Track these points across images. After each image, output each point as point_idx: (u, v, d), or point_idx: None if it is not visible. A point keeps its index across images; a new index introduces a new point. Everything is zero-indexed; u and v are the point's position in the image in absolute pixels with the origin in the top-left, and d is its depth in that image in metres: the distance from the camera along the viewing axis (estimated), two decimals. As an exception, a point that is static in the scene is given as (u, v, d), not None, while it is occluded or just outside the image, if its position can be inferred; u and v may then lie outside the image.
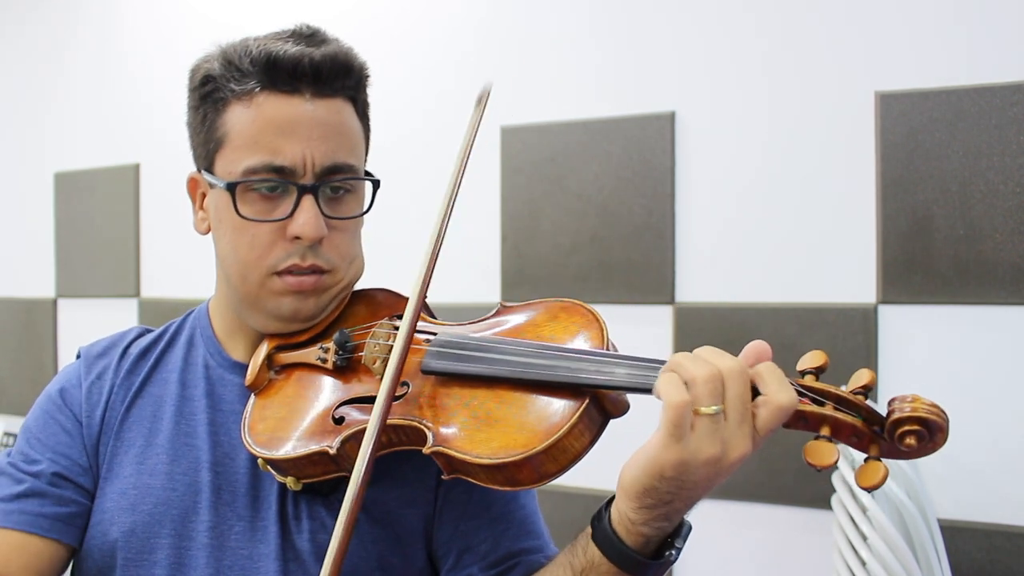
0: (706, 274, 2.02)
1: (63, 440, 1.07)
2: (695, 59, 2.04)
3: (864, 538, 1.53)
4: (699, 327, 2.00)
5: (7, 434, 2.92)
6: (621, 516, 0.86)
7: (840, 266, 1.89)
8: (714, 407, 0.79)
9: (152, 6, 2.79)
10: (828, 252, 1.90)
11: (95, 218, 2.84)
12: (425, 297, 0.98)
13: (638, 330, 2.04)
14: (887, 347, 1.83)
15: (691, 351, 0.84)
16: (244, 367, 1.10)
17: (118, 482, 1.06)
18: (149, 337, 1.16)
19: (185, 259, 2.63)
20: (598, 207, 2.10)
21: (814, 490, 1.86)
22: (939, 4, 1.81)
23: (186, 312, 1.21)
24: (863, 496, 1.54)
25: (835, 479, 1.65)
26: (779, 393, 0.80)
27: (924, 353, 1.81)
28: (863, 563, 1.52)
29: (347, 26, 2.66)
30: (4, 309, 3.05)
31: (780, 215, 1.95)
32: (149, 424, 1.08)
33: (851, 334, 1.86)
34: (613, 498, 0.88)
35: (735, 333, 1.95)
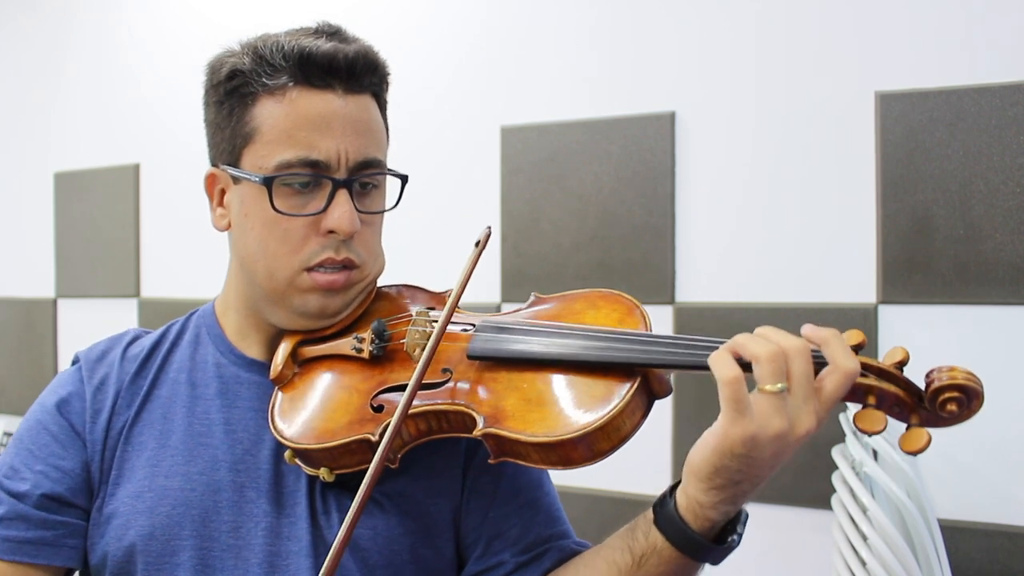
0: (706, 274, 2.02)
1: (56, 452, 1.05)
2: (695, 59, 2.04)
3: (864, 538, 1.53)
4: (699, 327, 2.00)
5: (6, 434, 2.92)
6: (690, 501, 0.87)
7: (840, 266, 1.89)
8: (779, 384, 0.82)
9: (152, 6, 2.79)
10: (828, 252, 1.90)
11: (95, 218, 2.84)
12: (470, 278, 0.99)
13: (638, 330, 2.04)
14: (887, 347, 1.83)
15: (746, 332, 0.87)
16: (262, 365, 1.10)
17: (130, 486, 1.04)
18: (148, 339, 1.15)
19: (185, 259, 2.63)
20: (598, 207, 2.10)
21: (814, 490, 1.86)
22: (939, 4, 1.81)
23: (187, 312, 1.19)
24: (863, 496, 1.54)
25: (835, 479, 1.65)
26: (846, 360, 0.83)
27: (924, 353, 1.80)
28: (863, 563, 1.52)
29: (348, 27, 2.66)
30: (4, 309, 3.05)
31: (780, 215, 1.95)
32: (160, 426, 1.07)
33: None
34: (676, 485, 0.90)
35: (735, 333, 1.94)
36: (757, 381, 0.82)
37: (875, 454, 1.60)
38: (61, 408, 1.08)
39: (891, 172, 1.83)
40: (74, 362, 1.14)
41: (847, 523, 1.57)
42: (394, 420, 0.89)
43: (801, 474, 1.89)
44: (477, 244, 1.05)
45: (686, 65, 2.05)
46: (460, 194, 2.27)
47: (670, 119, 2.05)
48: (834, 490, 1.65)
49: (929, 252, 1.80)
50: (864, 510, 1.54)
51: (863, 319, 1.85)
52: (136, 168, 2.77)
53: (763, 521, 1.95)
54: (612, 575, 0.93)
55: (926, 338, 1.81)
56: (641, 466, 1.99)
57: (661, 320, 2.03)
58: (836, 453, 1.65)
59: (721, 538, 0.90)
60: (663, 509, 0.90)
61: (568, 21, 2.18)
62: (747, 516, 0.92)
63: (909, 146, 1.82)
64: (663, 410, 1.99)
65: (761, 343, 0.83)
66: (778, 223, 1.95)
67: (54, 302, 2.94)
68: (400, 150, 2.36)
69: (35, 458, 1.05)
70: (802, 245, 1.93)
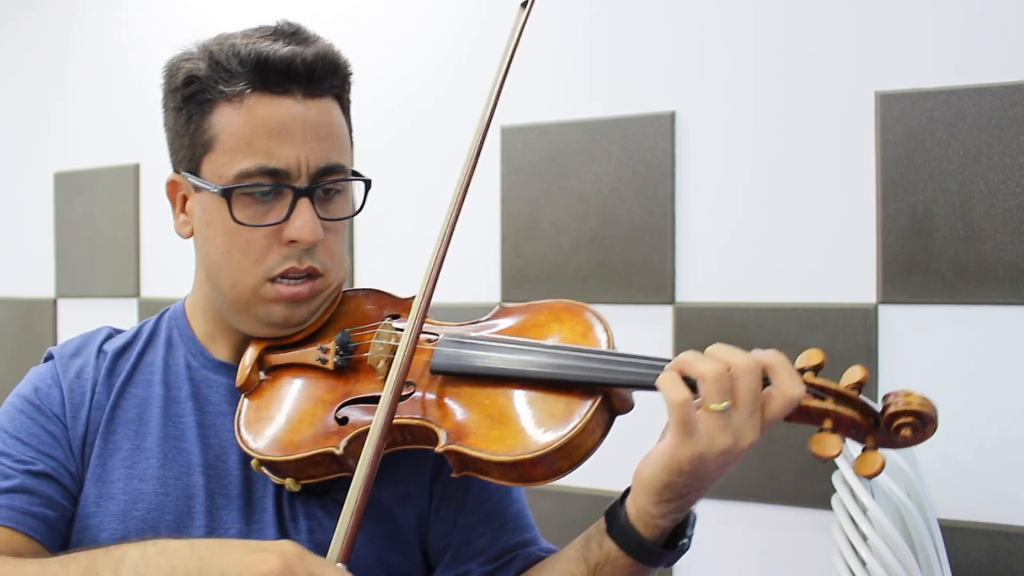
0: (706, 274, 2.02)
1: (47, 441, 1.04)
2: (695, 59, 2.04)
3: (864, 538, 1.53)
4: (699, 327, 2.00)
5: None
6: (640, 511, 0.88)
7: (840, 266, 1.89)
8: (724, 403, 0.82)
9: (152, 6, 2.79)
10: (828, 252, 1.90)
11: (95, 218, 2.84)
12: (432, 293, 0.98)
13: (638, 330, 2.04)
14: (887, 347, 1.83)
15: (694, 350, 0.87)
16: (230, 367, 1.09)
17: (106, 487, 1.03)
18: (122, 337, 1.14)
19: (185, 259, 2.63)
20: (598, 207, 2.10)
21: (814, 490, 1.86)
22: (939, 4, 1.81)
23: (159, 312, 1.18)
24: (863, 496, 1.54)
25: (835, 479, 1.65)
26: (791, 386, 0.84)
27: (924, 353, 1.81)
28: (863, 563, 1.52)
29: (347, 26, 2.67)
30: (4, 309, 3.05)
31: (780, 215, 1.95)
32: (135, 427, 1.06)
33: (851, 334, 1.86)
34: (626, 493, 0.91)
35: (735, 333, 1.95)
36: (702, 399, 0.83)
37: (875, 454, 1.60)
38: (41, 399, 1.07)
39: (891, 172, 1.83)
40: (47, 358, 1.12)
41: (847, 523, 1.57)
42: (370, 454, 0.88)
43: (801, 474, 1.89)
44: (524, 4, 1.04)
45: (686, 65, 2.05)
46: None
47: (670, 119, 2.05)
48: (834, 490, 1.65)
49: (929, 252, 1.80)
50: (864, 510, 1.54)
51: (863, 319, 1.85)
52: (136, 168, 2.77)
53: (763, 521, 1.95)
54: None
55: (926, 338, 1.81)
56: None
57: (661, 320, 2.03)
58: (836, 453, 1.65)
59: (672, 542, 0.91)
60: (615, 520, 0.91)
61: (568, 21, 2.18)
62: (695, 518, 0.93)
63: (909, 146, 1.82)
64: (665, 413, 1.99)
65: (707, 362, 0.84)
66: (778, 223, 1.95)
67: (54, 302, 2.94)
68: (400, 150, 2.36)
69: (27, 446, 1.03)
70: (802, 245, 1.93)
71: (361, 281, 1.11)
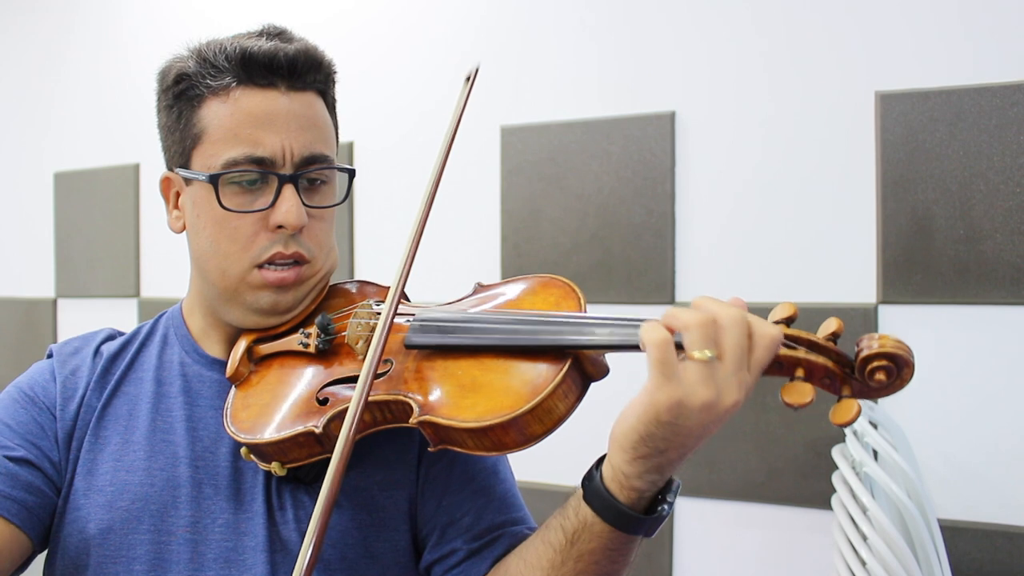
0: (706, 274, 2.02)
1: (34, 431, 1.07)
2: (695, 59, 2.04)
3: (864, 538, 1.53)
4: (699, 327, 2.00)
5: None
6: (615, 471, 0.86)
7: (840, 266, 1.89)
8: (708, 352, 0.79)
9: (152, 6, 2.79)
10: (828, 252, 1.90)
11: (95, 218, 2.84)
12: (410, 270, 1.00)
13: (638, 330, 2.04)
14: (887, 347, 1.83)
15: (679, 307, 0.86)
16: (221, 363, 1.12)
17: (94, 480, 1.06)
18: (120, 340, 1.18)
19: (185, 259, 2.63)
20: (598, 207, 2.10)
21: (814, 490, 1.86)
22: (939, 4, 1.82)
23: (158, 314, 1.22)
24: (863, 496, 1.54)
25: (835, 479, 1.65)
26: (767, 327, 0.82)
27: (924, 353, 1.81)
28: (863, 563, 1.52)
29: (347, 26, 2.66)
30: (4, 309, 3.05)
31: (780, 215, 1.95)
32: (125, 422, 1.09)
33: (851, 334, 1.85)
34: (603, 458, 0.89)
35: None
36: (685, 348, 0.80)
37: (875, 454, 1.60)
38: (35, 392, 1.10)
39: (891, 172, 1.83)
40: (48, 356, 1.16)
41: (847, 523, 1.57)
42: (348, 423, 0.89)
43: (801, 474, 1.89)
44: (468, 79, 1.06)
45: (686, 65, 2.05)
46: (460, 194, 2.27)
47: (670, 119, 2.05)
48: (834, 490, 1.65)
49: (929, 252, 1.80)
50: (864, 510, 1.54)
51: (863, 319, 1.85)
52: (136, 168, 2.77)
53: (763, 521, 1.95)
54: (548, 555, 0.93)
55: (926, 338, 1.81)
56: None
57: (661, 320, 2.04)
58: (836, 453, 1.65)
59: (651, 508, 0.88)
60: (590, 483, 0.89)
61: (568, 21, 2.18)
62: (679, 485, 0.89)
63: (909, 146, 1.82)
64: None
65: (690, 312, 0.81)
66: (778, 223, 1.95)
67: (54, 302, 2.94)
68: (402, 151, 2.36)
69: (15, 433, 1.06)
70: (802, 245, 1.93)
71: (363, 277, 1.14)
